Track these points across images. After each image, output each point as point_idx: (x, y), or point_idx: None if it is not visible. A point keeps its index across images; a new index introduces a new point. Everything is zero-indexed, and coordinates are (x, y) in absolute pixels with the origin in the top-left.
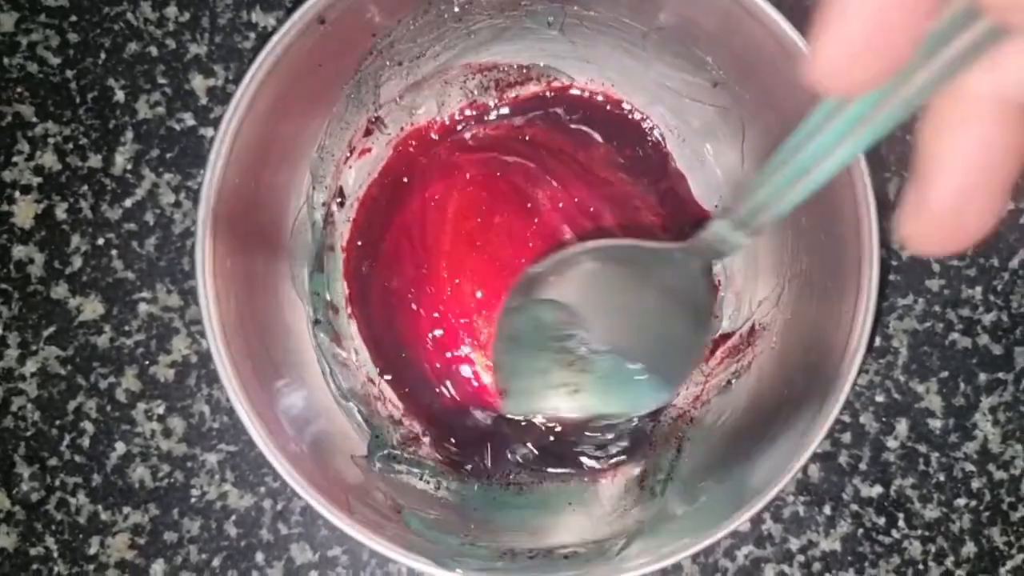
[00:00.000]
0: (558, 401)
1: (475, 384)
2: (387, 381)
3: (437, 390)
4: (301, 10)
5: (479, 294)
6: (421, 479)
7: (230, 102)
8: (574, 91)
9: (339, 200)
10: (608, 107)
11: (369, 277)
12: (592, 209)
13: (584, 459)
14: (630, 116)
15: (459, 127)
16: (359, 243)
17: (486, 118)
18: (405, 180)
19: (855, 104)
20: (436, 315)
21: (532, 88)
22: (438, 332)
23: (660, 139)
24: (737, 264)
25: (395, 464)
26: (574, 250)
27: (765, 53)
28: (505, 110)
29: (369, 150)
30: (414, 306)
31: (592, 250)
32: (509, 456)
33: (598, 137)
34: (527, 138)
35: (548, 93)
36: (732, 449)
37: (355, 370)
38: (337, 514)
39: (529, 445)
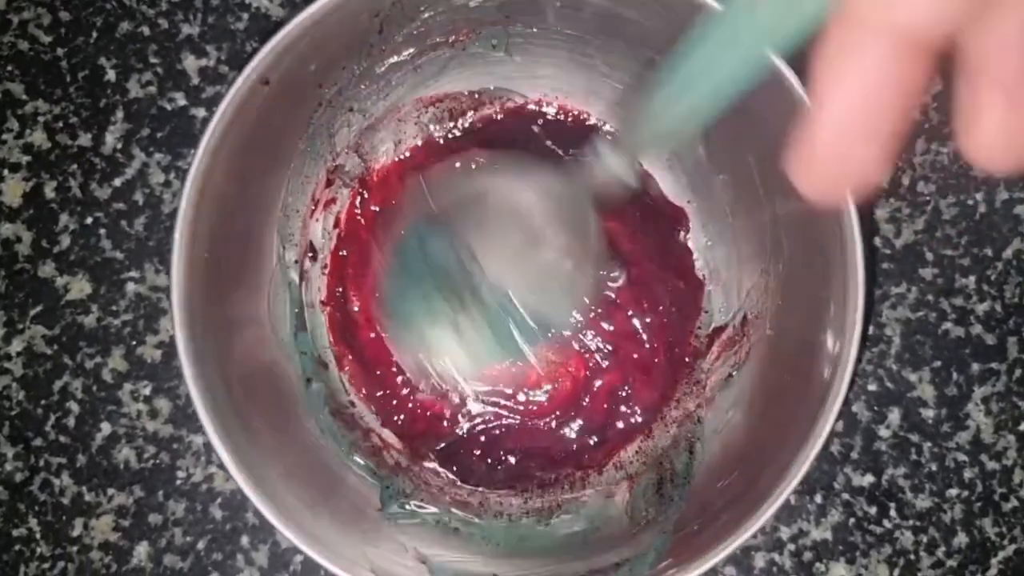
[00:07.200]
0: (443, 337)
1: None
2: (386, 427)
3: (435, 424)
4: (243, 75)
5: None
6: (438, 524)
7: (185, 180)
8: (530, 108)
9: (311, 255)
10: (565, 118)
11: (352, 326)
12: None
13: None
14: (587, 123)
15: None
16: (338, 294)
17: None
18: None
19: (744, 13)
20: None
21: (486, 111)
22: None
23: None
24: (719, 256)
25: (410, 512)
26: (470, 181)
27: None
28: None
29: (333, 200)
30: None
31: (485, 177)
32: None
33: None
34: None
35: (501, 115)
36: (744, 445)
37: (353, 423)
38: None
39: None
